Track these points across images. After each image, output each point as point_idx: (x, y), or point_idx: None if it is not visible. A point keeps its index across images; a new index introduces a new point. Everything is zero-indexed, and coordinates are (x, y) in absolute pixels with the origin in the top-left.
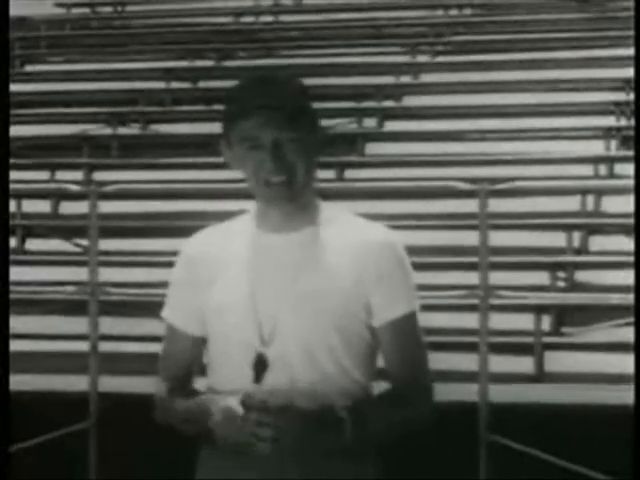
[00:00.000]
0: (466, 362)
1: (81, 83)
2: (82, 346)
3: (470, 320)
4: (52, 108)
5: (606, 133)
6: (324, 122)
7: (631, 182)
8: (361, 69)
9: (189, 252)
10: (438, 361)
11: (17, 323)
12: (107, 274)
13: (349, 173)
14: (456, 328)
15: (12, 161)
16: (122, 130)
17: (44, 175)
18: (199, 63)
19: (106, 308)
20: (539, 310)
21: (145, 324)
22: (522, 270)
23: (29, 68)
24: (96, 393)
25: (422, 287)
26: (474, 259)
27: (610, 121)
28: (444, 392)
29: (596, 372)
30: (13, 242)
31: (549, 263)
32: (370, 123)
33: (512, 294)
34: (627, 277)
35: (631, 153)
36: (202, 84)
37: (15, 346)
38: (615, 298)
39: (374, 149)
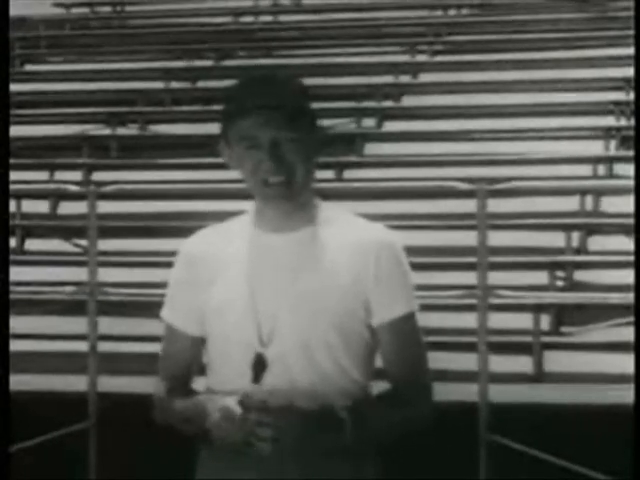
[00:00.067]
0: (466, 362)
1: (80, 83)
2: (81, 346)
3: (469, 320)
4: (52, 108)
5: (605, 133)
6: (323, 122)
7: (631, 182)
8: (360, 69)
9: (188, 252)
10: (437, 361)
11: (17, 323)
12: (106, 274)
13: (348, 173)
14: (455, 328)
15: (12, 161)
16: (121, 130)
17: (43, 175)
18: (198, 63)
19: (105, 308)
20: (538, 310)
21: (144, 324)
22: (521, 270)
23: (29, 68)
24: (95, 393)
25: (421, 287)
26: (473, 259)
27: (610, 121)
28: (444, 392)
29: (595, 372)
30: (13, 242)
31: (548, 263)
32: (369, 123)
33: (511, 294)
34: (626, 277)
35: (631, 153)
36: (201, 84)
37: (15, 346)
38: (614, 298)
39: (373, 149)
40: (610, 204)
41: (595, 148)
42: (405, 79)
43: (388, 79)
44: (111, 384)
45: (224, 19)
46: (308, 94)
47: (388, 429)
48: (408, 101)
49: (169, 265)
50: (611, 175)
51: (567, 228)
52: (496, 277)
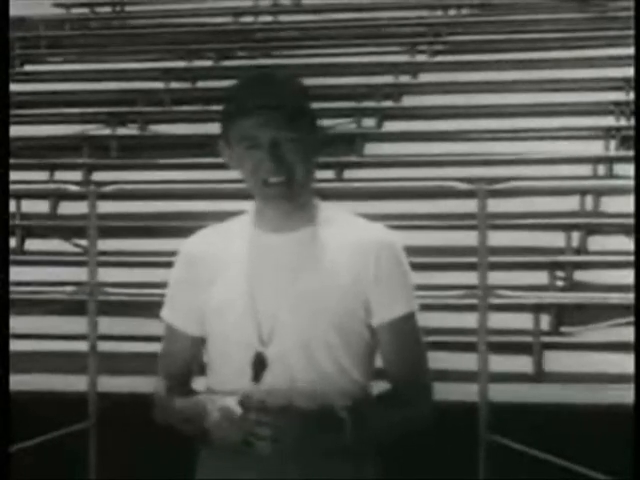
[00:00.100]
0: (466, 362)
1: (80, 83)
2: (81, 346)
3: (469, 320)
4: (51, 108)
5: (605, 133)
6: (323, 122)
7: (630, 182)
8: (360, 69)
9: (188, 252)
10: (437, 361)
11: (17, 323)
12: (106, 274)
13: (348, 173)
14: (455, 328)
15: (12, 161)
16: (121, 130)
17: (43, 175)
18: (198, 63)
19: (105, 308)
20: (538, 309)
21: (144, 324)
22: (521, 270)
23: (29, 68)
24: (95, 393)
25: (421, 287)
26: (473, 259)
27: (609, 121)
28: (444, 392)
29: (595, 372)
30: (13, 242)
31: (548, 263)
32: (369, 123)
33: (511, 294)
34: (626, 277)
35: (631, 153)
36: (201, 84)
37: (15, 346)
38: (614, 298)
39: (373, 149)
40: (610, 204)
41: (595, 148)
42: (405, 79)
43: (388, 79)
44: (111, 384)
45: (224, 19)
46: (308, 94)
47: (388, 429)
48: (408, 101)
49: (169, 265)
50: (611, 175)
51: (567, 228)
52: (496, 277)
